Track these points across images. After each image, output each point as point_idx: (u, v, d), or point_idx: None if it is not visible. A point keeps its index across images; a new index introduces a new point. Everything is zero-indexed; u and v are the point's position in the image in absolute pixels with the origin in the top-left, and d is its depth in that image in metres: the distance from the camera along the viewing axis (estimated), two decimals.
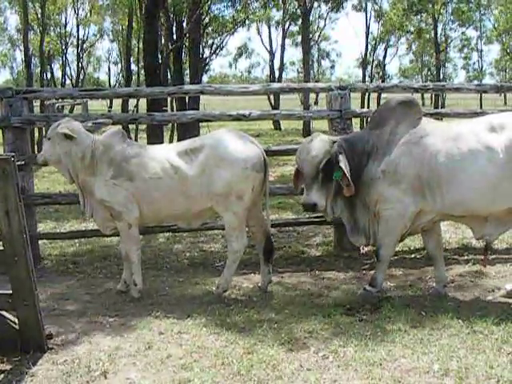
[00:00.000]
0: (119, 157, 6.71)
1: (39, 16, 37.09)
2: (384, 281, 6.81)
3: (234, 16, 34.21)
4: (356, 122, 15.22)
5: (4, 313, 5.41)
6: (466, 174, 6.13)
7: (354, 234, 6.80)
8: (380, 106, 7.20)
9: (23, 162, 7.71)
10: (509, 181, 6.07)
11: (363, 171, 6.52)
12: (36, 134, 20.82)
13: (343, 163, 6.34)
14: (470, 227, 6.67)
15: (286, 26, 47.68)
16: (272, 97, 40.07)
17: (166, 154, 6.76)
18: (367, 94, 31.30)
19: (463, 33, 58.00)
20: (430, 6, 44.42)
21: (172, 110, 29.45)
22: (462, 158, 6.15)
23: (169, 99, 29.48)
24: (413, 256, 8.39)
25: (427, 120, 6.69)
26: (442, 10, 47.28)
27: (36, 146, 19.67)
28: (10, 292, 5.20)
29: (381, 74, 60.16)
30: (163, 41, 26.86)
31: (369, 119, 7.76)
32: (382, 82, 52.37)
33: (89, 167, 6.75)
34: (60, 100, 22.81)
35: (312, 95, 44.01)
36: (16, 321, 5.34)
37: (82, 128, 6.83)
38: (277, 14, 47.00)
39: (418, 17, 48.63)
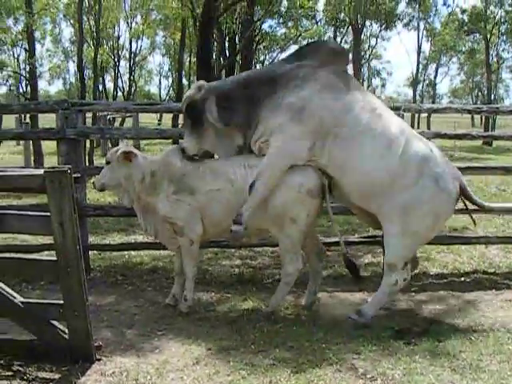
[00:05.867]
0: (179, 172, 6.73)
1: (93, 29, 37.66)
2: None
3: (285, 33, 34.38)
4: None
5: (55, 322, 5.47)
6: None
7: None
8: (309, 43, 7.11)
9: (79, 175, 7.78)
10: None
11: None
12: (87, 145, 21.04)
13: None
14: None
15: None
16: None
17: (224, 167, 6.74)
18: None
19: None
20: (482, 25, 44.23)
21: None
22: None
23: None
24: (462, 279, 8.28)
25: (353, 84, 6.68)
26: (494, 31, 46.97)
27: (87, 157, 19.89)
28: (62, 302, 5.26)
29: (431, 93, 59.88)
30: (215, 56, 27.05)
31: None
32: (433, 101, 52.23)
33: (150, 187, 6.76)
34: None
35: None
36: (66, 330, 5.39)
37: (138, 151, 6.92)
38: (328, 31, 47.04)
39: (471, 37, 48.45)
